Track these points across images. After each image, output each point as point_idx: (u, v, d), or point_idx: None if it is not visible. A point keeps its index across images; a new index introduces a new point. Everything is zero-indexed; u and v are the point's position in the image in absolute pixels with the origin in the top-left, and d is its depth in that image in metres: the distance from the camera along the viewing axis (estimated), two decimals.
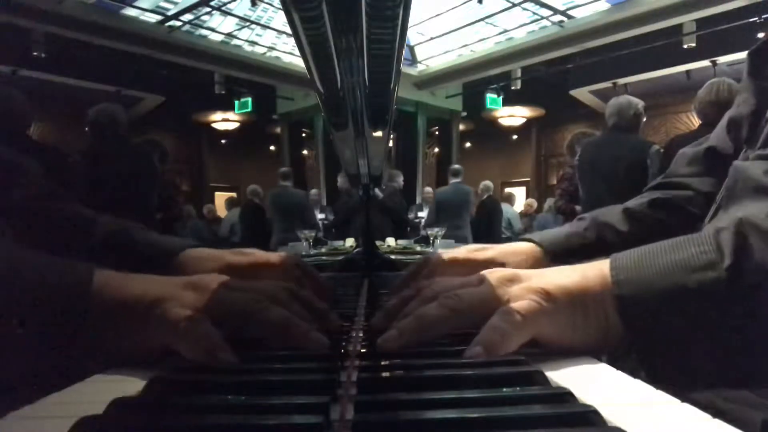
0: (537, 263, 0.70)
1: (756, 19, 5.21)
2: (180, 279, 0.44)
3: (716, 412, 0.27)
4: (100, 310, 0.38)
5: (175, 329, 0.39)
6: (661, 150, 2.81)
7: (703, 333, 0.38)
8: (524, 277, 0.44)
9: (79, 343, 0.37)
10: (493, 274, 0.45)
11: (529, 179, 11.11)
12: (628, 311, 0.39)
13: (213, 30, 6.76)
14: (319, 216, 5.99)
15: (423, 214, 6.03)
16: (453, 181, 5.48)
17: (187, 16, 6.30)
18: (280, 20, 6.41)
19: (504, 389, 0.31)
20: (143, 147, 3.47)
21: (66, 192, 0.70)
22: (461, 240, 4.81)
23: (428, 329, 0.41)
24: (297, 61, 6.90)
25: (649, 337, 0.39)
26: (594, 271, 0.43)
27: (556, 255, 0.71)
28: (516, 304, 0.41)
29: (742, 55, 0.72)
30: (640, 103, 3.00)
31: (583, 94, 8.94)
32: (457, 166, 5.71)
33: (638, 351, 0.39)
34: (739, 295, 0.37)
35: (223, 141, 11.23)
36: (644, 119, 3.07)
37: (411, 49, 7.52)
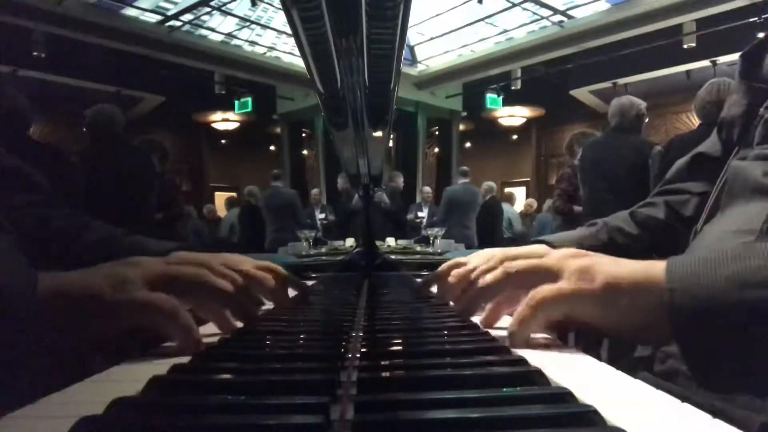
0: None
1: (756, 19, 5.21)
2: (115, 265, 0.46)
3: (715, 413, 0.27)
4: (51, 306, 0.40)
5: (151, 308, 0.43)
6: (662, 151, 2.81)
7: (760, 346, 0.37)
8: (587, 258, 0.46)
9: (37, 340, 0.39)
10: (560, 252, 0.48)
11: (529, 179, 11.11)
12: (680, 324, 0.39)
13: (213, 30, 6.75)
14: (319, 216, 6.00)
15: (423, 214, 6.04)
16: (462, 181, 5.49)
17: (187, 16, 6.30)
18: (280, 20, 6.41)
19: (504, 389, 0.31)
20: (141, 146, 3.47)
21: (65, 192, 0.72)
22: (468, 240, 4.82)
23: (486, 292, 0.51)
24: (297, 61, 6.90)
25: (701, 348, 0.38)
26: (656, 270, 0.42)
27: None
28: (549, 285, 0.45)
29: None
30: (642, 104, 3.00)
31: (583, 94, 8.94)
32: (465, 167, 5.73)
33: (688, 358, 0.39)
34: None
35: (223, 141, 11.23)
36: (646, 120, 3.07)
37: (411, 49, 7.52)
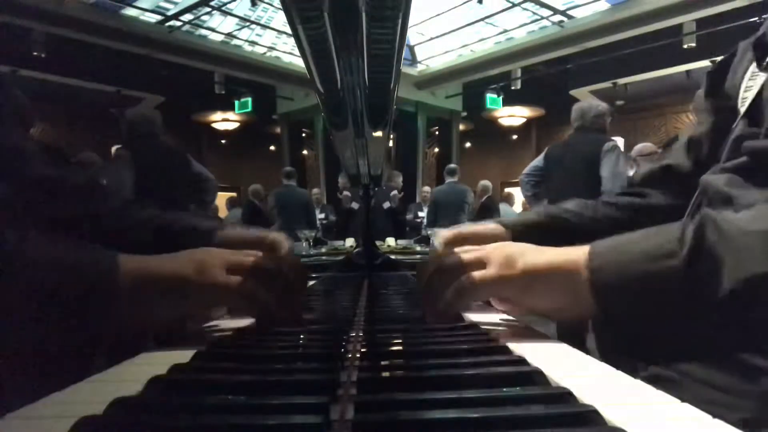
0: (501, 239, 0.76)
1: (756, 19, 5.20)
2: (191, 252, 0.49)
3: (711, 411, 0.27)
4: (129, 289, 0.43)
5: (232, 292, 0.47)
6: (617, 146, 3.02)
7: (665, 314, 0.43)
8: (518, 252, 0.51)
9: (114, 323, 0.43)
10: (497, 249, 0.52)
11: None
12: (600, 291, 0.45)
13: (213, 30, 6.75)
14: (320, 216, 6.00)
15: (422, 213, 6.03)
16: (449, 180, 5.47)
17: (187, 16, 6.30)
18: (280, 20, 6.41)
19: (504, 389, 0.31)
20: (178, 147, 3.55)
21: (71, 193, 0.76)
22: None
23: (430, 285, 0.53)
24: (297, 61, 6.90)
25: (616, 315, 0.45)
26: (576, 253, 0.48)
27: (515, 231, 0.77)
28: (477, 272, 0.50)
29: None
30: (600, 105, 3.19)
31: (583, 94, 8.92)
32: (453, 165, 5.70)
33: (597, 325, 0.45)
34: (695, 282, 0.41)
35: (223, 141, 11.22)
36: (609, 119, 3.23)
37: (411, 49, 7.52)
